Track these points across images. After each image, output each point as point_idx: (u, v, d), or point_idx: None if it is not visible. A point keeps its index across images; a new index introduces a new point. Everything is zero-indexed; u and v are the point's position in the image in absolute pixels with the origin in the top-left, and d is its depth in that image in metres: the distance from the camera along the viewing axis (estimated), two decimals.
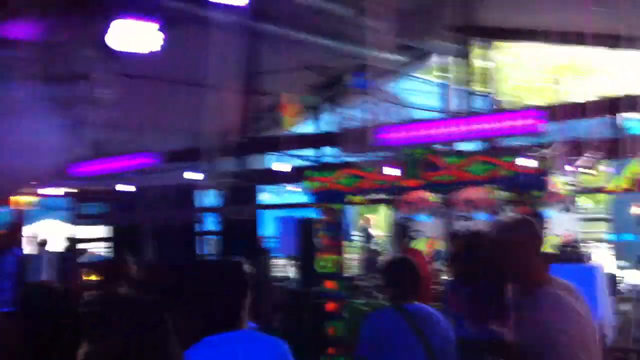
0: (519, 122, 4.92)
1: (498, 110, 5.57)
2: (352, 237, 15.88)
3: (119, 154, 6.88)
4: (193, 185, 8.42)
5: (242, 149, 7.36)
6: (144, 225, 8.53)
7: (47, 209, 13.48)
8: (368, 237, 12.96)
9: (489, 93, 8.21)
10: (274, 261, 13.93)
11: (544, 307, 2.79)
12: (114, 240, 9.12)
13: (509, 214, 7.65)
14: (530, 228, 2.96)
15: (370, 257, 11.79)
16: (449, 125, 5.38)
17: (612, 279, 7.24)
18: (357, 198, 10.12)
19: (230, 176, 9.02)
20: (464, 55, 5.79)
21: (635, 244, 9.70)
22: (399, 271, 3.71)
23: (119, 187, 7.75)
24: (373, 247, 13.48)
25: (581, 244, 8.46)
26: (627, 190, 7.97)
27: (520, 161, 6.21)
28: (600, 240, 12.52)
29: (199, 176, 8.45)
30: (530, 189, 6.58)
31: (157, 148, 7.23)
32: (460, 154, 7.13)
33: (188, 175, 7.21)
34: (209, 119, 6.23)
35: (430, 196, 9.53)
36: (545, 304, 2.80)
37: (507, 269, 2.92)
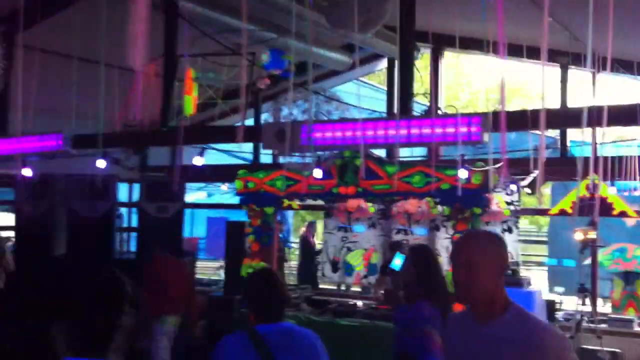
0: (458, 128, 4.55)
1: (437, 116, 5.24)
2: (291, 245, 15.43)
3: (23, 134, 6.23)
4: (113, 176, 7.80)
5: (158, 138, 6.80)
6: (55, 216, 7.87)
7: None
8: (307, 245, 12.48)
9: (434, 100, 7.86)
10: (204, 264, 13.39)
11: (515, 340, 2.38)
12: (19, 230, 8.43)
13: (449, 230, 7.31)
14: (500, 244, 2.57)
15: (306, 267, 11.32)
16: (382, 127, 4.98)
17: (551, 306, 6.96)
18: (294, 203, 9.70)
19: (151, 170, 8.45)
20: (411, 60, 5.48)
21: (575, 270, 9.53)
22: (257, 287, 3.20)
23: (25, 172, 7.07)
24: (310, 255, 13.00)
25: (521, 267, 8.21)
26: (569, 214, 7.74)
27: (463, 175, 5.88)
28: (540, 264, 12.40)
29: (115, 166, 7.82)
30: (471, 205, 6.25)
31: (66, 131, 6.59)
32: (401, 163, 6.76)
33: (100, 163, 6.60)
34: (123, 103, 5.68)
35: (369, 206, 9.20)
36: (514, 334, 2.40)
37: (467, 290, 2.46)
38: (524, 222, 20.69)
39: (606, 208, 7.34)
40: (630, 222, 9.96)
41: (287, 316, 7.44)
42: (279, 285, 3.18)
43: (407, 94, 5.34)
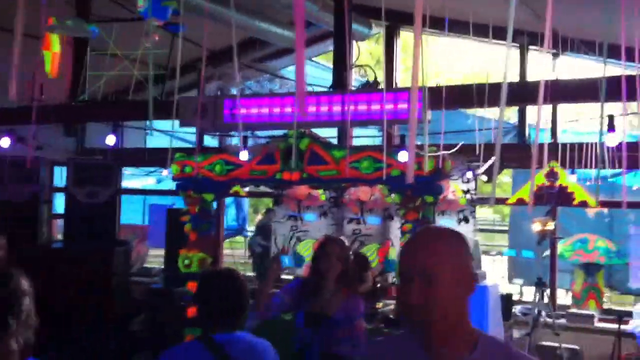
0: (399, 104, 4.13)
1: (374, 90, 4.83)
2: (247, 234, 14.93)
3: None
4: (42, 158, 7.21)
5: (62, 114, 6.22)
6: None
7: None
8: (264, 234, 11.96)
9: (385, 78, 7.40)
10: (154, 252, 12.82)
11: None
12: None
13: (401, 221, 6.89)
14: (468, 249, 1.87)
15: (260, 258, 10.85)
16: (313, 102, 4.53)
17: (507, 301, 6.63)
18: (240, 190, 9.21)
19: (88, 152, 7.86)
20: (347, 31, 5.06)
21: (534, 262, 9.25)
22: (216, 290, 2.78)
23: None
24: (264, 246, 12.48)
25: (480, 260, 7.87)
26: (529, 204, 7.41)
27: (403, 158, 5.49)
28: (499, 255, 12.15)
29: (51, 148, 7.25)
30: (422, 193, 5.84)
31: None
32: (350, 148, 6.33)
33: (4, 142, 6.02)
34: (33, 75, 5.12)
35: (321, 194, 8.77)
36: None
37: (425, 315, 1.76)
38: (488, 212, 20.57)
39: (566, 197, 7.04)
40: (592, 212, 9.76)
41: None
42: (243, 290, 2.75)
43: (342, 67, 4.89)
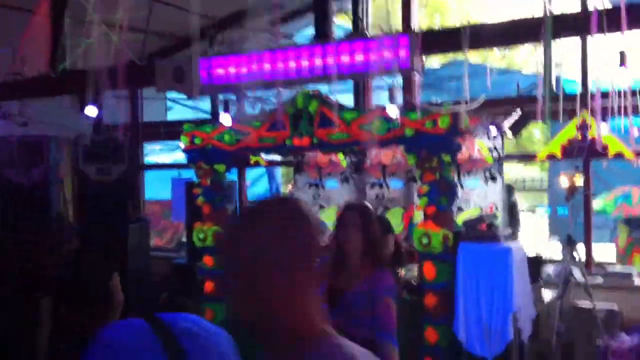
0: (382, 52, 3.82)
1: (356, 38, 4.50)
2: None
3: None
4: (46, 136, 7.11)
5: (41, 87, 6.05)
6: None
7: None
8: None
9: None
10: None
11: None
12: None
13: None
14: (309, 223, 1.49)
15: None
16: (292, 57, 4.24)
17: (536, 262, 6.30)
18: (260, 160, 9.02)
19: (95, 128, 7.70)
20: None
21: (567, 219, 8.86)
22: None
23: None
24: None
25: (502, 219, 7.50)
26: (559, 159, 7.02)
27: (393, 113, 5.19)
28: (532, 213, 11.74)
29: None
30: (438, 151, 5.54)
31: None
32: (359, 109, 6.06)
33: None
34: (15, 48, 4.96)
35: (342, 160, 8.50)
36: None
37: (246, 308, 1.47)
38: (536, 170, 19.86)
39: (599, 149, 6.62)
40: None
41: None
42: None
43: (323, 16, 4.57)
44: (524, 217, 12.54)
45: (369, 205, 3.89)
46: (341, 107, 5.99)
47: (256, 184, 14.12)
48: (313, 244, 1.48)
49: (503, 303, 5.33)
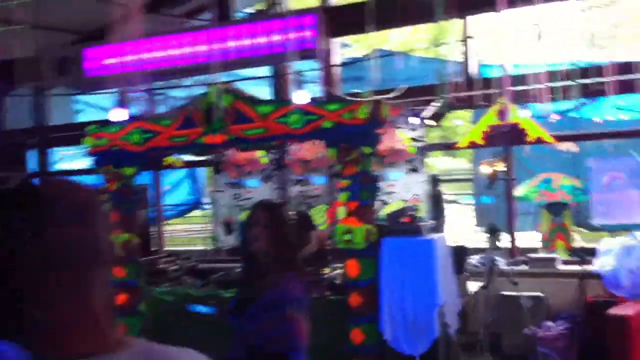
0: (290, 33, 3.55)
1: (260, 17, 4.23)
2: (205, 207, 14.34)
3: None
4: None
5: None
6: None
7: None
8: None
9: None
10: None
11: None
12: None
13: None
14: (99, 214, 1.19)
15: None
16: (187, 44, 3.94)
17: (461, 253, 6.20)
18: (177, 161, 8.63)
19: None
20: None
21: (492, 207, 8.85)
22: None
23: None
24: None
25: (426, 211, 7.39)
26: (481, 146, 6.96)
27: (302, 99, 4.98)
28: (458, 203, 11.77)
29: None
30: (359, 144, 5.33)
31: None
32: (276, 102, 5.80)
33: None
34: None
35: (262, 157, 8.22)
36: None
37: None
38: (463, 161, 20.02)
39: (519, 135, 6.59)
40: (565, 149, 9.38)
41: (164, 292, 6.49)
42: None
43: None
44: (450, 208, 12.57)
45: (279, 202, 3.58)
46: (257, 101, 5.71)
47: (178, 187, 13.62)
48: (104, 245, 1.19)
49: (428, 298, 5.18)
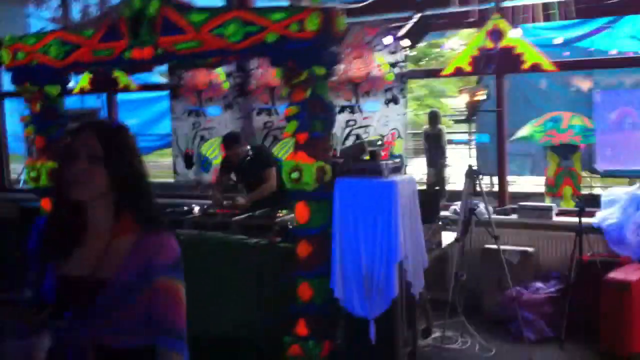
0: None
1: None
2: None
3: None
4: None
5: None
6: None
7: None
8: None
9: None
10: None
11: None
12: None
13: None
14: None
15: None
16: None
17: (435, 199, 5.26)
18: (131, 84, 7.73)
19: None
20: None
21: (488, 147, 7.86)
22: None
23: None
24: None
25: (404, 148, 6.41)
26: (468, 73, 5.93)
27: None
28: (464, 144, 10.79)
29: None
30: (309, 63, 4.34)
31: None
32: (212, 10, 4.79)
33: None
34: None
35: (223, 82, 7.24)
36: None
37: None
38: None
39: (513, 60, 5.53)
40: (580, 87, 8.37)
41: None
42: None
43: None
44: (451, 149, 11.58)
45: (118, 122, 2.02)
46: (187, 8, 4.70)
47: (163, 119, 12.63)
48: None
49: (386, 251, 4.26)
